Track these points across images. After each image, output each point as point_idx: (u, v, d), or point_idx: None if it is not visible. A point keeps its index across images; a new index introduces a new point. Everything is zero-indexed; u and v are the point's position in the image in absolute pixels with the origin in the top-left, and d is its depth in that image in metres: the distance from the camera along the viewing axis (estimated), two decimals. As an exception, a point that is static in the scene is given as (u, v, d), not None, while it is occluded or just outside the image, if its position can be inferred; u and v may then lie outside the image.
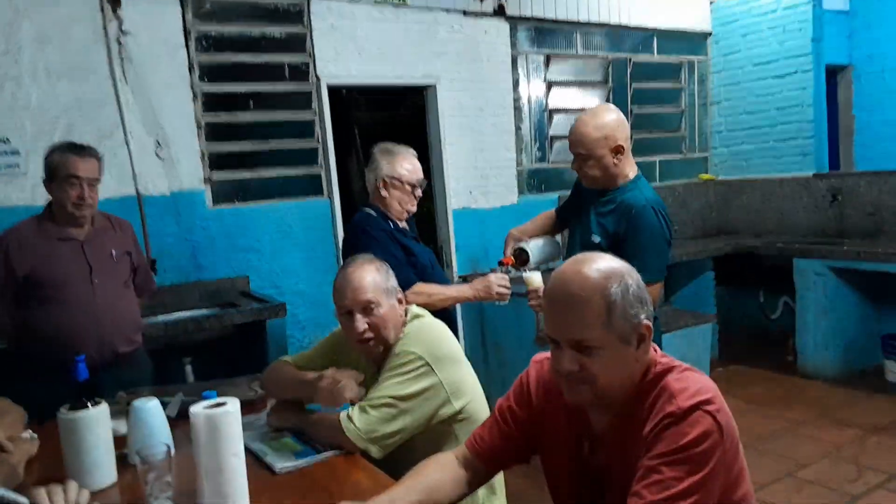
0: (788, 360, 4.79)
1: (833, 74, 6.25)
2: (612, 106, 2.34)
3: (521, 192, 4.79)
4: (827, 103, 5.50)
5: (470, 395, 1.79)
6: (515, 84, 4.73)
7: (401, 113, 5.22)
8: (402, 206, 2.43)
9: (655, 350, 1.27)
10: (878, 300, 4.59)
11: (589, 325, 1.16)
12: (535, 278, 2.38)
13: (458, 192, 4.50)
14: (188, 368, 3.16)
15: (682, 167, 5.74)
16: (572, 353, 1.18)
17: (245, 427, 1.48)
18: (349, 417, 1.66)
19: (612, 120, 2.26)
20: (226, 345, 3.39)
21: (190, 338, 3.23)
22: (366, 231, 2.38)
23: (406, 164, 2.42)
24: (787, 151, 5.34)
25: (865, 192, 4.84)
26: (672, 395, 1.16)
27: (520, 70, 4.75)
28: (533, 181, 4.88)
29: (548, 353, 1.43)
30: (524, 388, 1.44)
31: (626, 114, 5.23)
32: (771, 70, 5.36)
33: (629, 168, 2.31)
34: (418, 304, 1.96)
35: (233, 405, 1.37)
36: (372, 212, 2.44)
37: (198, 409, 1.35)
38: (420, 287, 2.21)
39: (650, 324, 1.20)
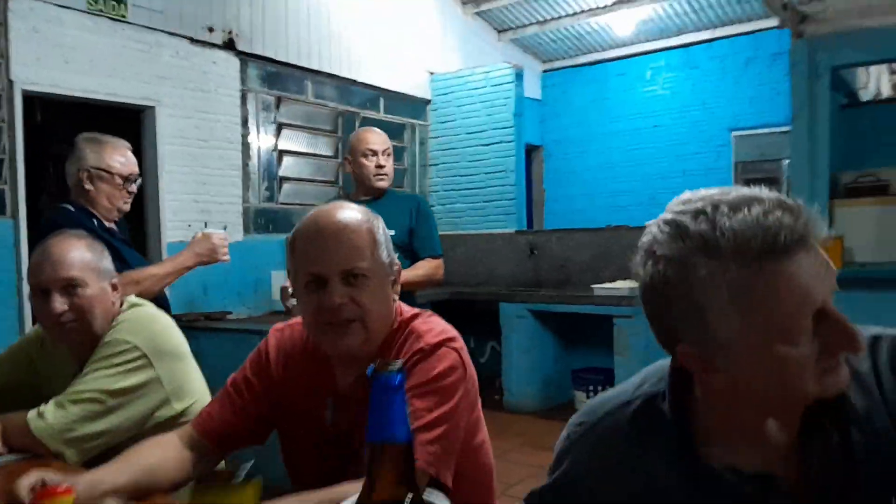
0: (496, 399, 5.17)
1: (529, 153, 7.21)
2: None
3: (246, 230, 4.61)
4: (527, 176, 6.30)
5: (195, 397, 1.57)
6: (245, 121, 4.61)
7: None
8: (112, 202, 2.15)
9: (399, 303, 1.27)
10: (568, 339, 5.22)
11: (360, 253, 1.16)
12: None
13: (176, 225, 4.17)
14: None
15: (404, 222, 6.03)
16: (342, 286, 1.14)
17: None
18: (39, 414, 1.36)
19: (377, 135, 2.82)
20: None
21: None
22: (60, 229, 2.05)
23: (117, 156, 2.16)
24: (493, 210, 5.94)
25: (556, 248, 5.55)
26: (420, 335, 1.18)
27: (249, 107, 4.66)
28: (260, 220, 4.73)
29: (289, 321, 1.35)
30: (262, 357, 1.32)
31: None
32: (481, 139, 5.98)
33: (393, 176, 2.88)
34: (127, 297, 1.71)
35: None
36: (70, 207, 2.13)
37: None
38: (125, 276, 1.91)
39: (401, 266, 1.26)
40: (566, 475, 0.92)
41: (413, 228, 2.72)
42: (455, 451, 1.14)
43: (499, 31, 6.96)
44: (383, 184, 2.74)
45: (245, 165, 4.62)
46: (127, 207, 2.22)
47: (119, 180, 2.14)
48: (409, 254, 2.71)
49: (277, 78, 4.87)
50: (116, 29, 3.89)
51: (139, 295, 1.72)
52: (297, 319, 1.30)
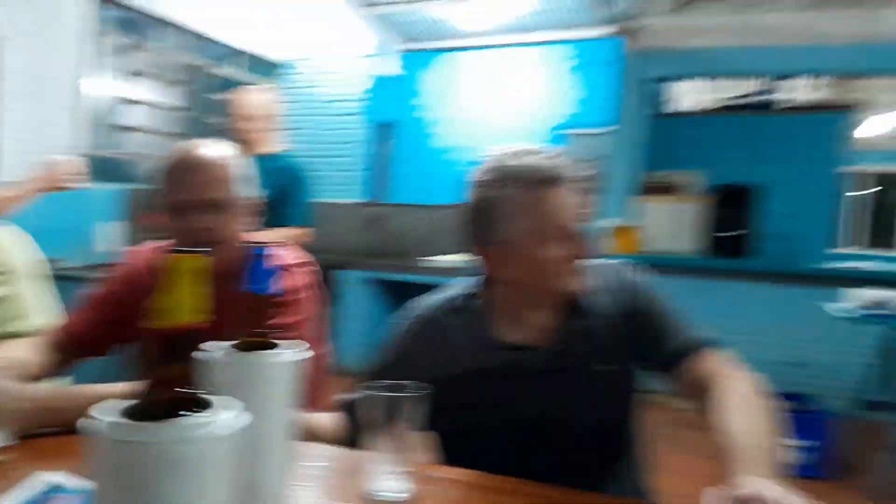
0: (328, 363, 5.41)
1: (380, 129, 7.43)
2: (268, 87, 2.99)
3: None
4: (377, 150, 6.53)
5: (47, 316, 1.63)
6: (92, 63, 4.43)
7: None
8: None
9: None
10: (400, 306, 5.55)
11: (222, 185, 1.35)
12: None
13: (13, 167, 3.95)
14: None
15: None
16: (203, 214, 1.32)
17: None
18: None
19: (261, 97, 2.94)
20: None
21: None
22: None
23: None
24: (341, 180, 6.13)
25: (397, 221, 5.87)
26: (273, 257, 1.39)
27: (97, 48, 4.47)
28: (98, 169, 4.57)
29: (149, 245, 1.52)
30: (129, 271, 1.48)
31: (202, 122, 5.42)
32: (333, 108, 6.14)
33: (278, 140, 2.94)
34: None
35: None
36: None
37: None
38: (-28, 198, 1.92)
39: (259, 202, 1.47)
40: (397, 353, 1.30)
41: (282, 194, 2.74)
42: None
43: (361, 6, 7.07)
44: (246, 148, 2.76)
45: (86, 109, 4.44)
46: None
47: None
48: (274, 218, 2.74)
49: (130, 23, 4.71)
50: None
51: None
52: (156, 244, 1.48)
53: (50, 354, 1.39)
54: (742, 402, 1.07)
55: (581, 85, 7.09)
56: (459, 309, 1.28)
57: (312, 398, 1.53)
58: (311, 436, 1.19)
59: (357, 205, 6.01)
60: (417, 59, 7.76)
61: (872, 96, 8.57)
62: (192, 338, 0.60)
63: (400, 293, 5.54)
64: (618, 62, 5.46)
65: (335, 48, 6.11)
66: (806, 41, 4.89)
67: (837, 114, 6.18)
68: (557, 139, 7.22)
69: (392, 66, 7.48)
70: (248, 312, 0.84)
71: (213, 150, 1.37)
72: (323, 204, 6.13)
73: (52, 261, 4.05)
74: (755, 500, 0.83)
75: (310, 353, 1.43)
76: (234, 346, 0.84)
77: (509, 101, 7.33)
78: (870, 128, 9.64)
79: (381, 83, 6.39)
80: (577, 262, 1.17)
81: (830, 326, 4.18)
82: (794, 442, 3.43)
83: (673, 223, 5.12)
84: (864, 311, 3.39)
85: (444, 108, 7.64)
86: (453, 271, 4.94)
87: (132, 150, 4.79)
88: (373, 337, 5.32)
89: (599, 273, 1.28)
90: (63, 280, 3.72)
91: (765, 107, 6.59)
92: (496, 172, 1.16)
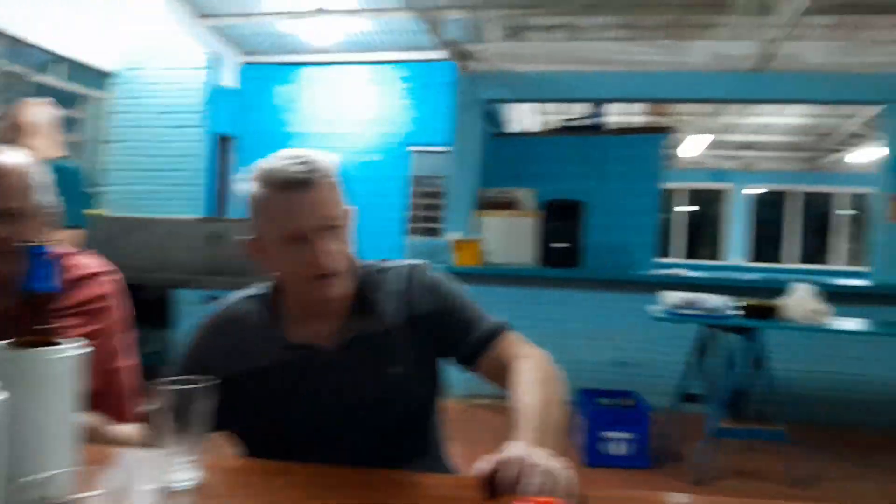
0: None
1: (222, 142, 7.21)
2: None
3: None
4: (217, 164, 6.33)
5: None
6: None
7: None
8: None
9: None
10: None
11: (20, 194, 1.26)
12: None
13: None
14: None
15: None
16: (1, 223, 1.24)
17: None
18: None
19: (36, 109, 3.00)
20: None
21: None
22: None
23: None
24: (178, 195, 5.88)
25: (239, 237, 5.69)
26: (79, 266, 1.37)
27: None
28: None
29: None
30: None
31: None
32: (169, 121, 5.88)
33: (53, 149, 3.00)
34: None
35: None
36: None
37: None
38: None
39: (62, 211, 1.40)
40: (193, 348, 1.30)
41: None
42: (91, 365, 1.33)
43: (199, 16, 6.86)
44: None
45: None
46: None
47: None
48: None
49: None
50: None
51: None
52: None
53: None
54: (535, 379, 1.15)
55: (423, 104, 7.30)
56: (254, 307, 1.30)
57: (120, 410, 1.47)
58: (117, 445, 1.17)
59: (196, 220, 5.78)
60: (258, 73, 7.65)
61: (686, 121, 9.54)
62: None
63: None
64: (453, 83, 5.69)
65: (170, 58, 5.86)
66: (624, 69, 5.36)
67: (658, 136, 6.82)
68: (400, 156, 7.40)
69: (232, 79, 7.31)
70: (30, 310, 0.84)
71: (10, 157, 1.30)
72: (159, 220, 5.87)
73: None
74: (517, 463, 0.88)
75: (114, 363, 1.39)
76: (13, 343, 0.83)
77: (353, 117, 7.40)
78: (685, 149, 10.70)
79: (221, 95, 6.22)
80: (312, 269, 1.18)
81: (653, 328, 4.58)
82: (621, 435, 3.73)
83: (510, 236, 5.38)
84: (678, 311, 3.74)
85: (287, 122, 7.56)
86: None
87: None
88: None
89: (393, 276, 1.31)
90: None
91: (594, 128, 7.14)
92: (256, 172, 1.19)
